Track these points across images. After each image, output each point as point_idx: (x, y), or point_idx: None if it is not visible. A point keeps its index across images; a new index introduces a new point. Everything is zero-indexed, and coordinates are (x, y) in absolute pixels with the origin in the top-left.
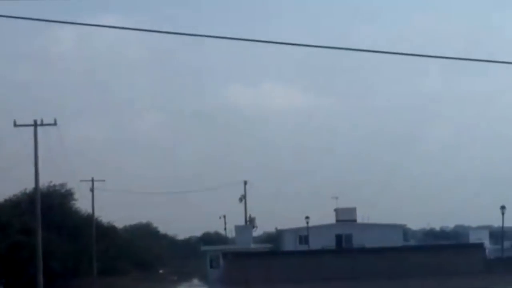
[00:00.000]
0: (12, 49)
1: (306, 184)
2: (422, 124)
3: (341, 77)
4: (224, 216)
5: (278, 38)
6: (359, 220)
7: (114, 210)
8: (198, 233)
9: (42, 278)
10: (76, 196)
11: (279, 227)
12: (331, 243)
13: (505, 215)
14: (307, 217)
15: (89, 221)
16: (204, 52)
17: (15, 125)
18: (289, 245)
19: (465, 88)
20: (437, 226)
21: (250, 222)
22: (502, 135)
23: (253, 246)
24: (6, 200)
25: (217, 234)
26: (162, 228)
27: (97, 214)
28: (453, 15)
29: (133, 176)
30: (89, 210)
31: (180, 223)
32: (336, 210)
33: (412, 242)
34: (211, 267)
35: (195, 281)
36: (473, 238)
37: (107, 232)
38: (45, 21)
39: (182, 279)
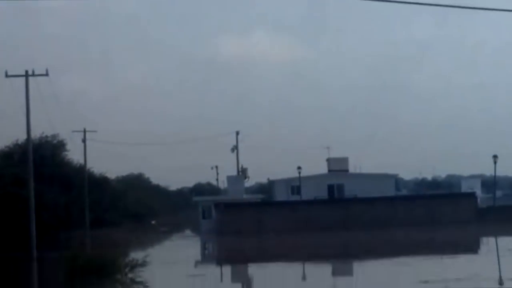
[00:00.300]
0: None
1: (298, 135)
2: (412, 73)
3: (331, 27)
4: (216, 167)
5: None
6: (351, 170)
7: (106, 161)
8: (190, 184)
9: (34, 229)
10: (68, 147)
11: (271, 178)
12: (323, 193)
13: (497, 164)
14: (299, 168)
15: (81, 172)
16: (194, 1)
17: (6, 75)
18: (281, 195)
19: (455, 36)
20: (429, 176)
21: (242, 173)
22: (495, 83)
23: (245, 196)
24: None
25: (209, 184)
26: (154, 179)
27: (89, 165)
28: None
29: (125, 127)
30: (81, 161)
31: (172, 174)
32: (328, 160)
33: (404, 192)
34: (203, 217)
35: (188, 232)
36: (465, 187)
37: (99, 183)
38: None
39: (174, 230)
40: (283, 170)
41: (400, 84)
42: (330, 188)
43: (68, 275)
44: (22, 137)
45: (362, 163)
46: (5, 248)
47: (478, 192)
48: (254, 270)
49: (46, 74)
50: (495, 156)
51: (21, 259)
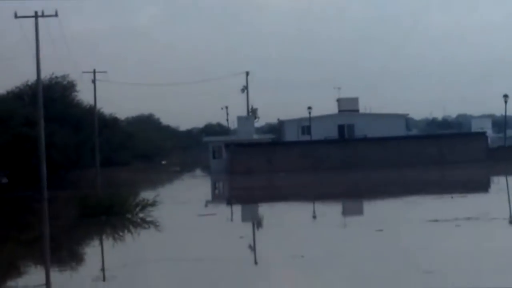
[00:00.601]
0: None
1: (309, 75)
2: (424, 10)
3: None
4: (226, 107)
5: None
6: (361, 110)
7: (116, 102)
8: (200, 124)
9: (45, 169)
10: (78, 88)
11: (281, 118)
12: (333, 133)
13: (508, 104)
14: (309, 108)
15: (91, 113)
16: None
17: (16, 16)
18: (291, 135)
19: None
20: (439, 116)
21: (252, 113)
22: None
23: (255, 137)
24: (8, 92)
25: (219, 125)
26: (164, 120)
27: (99, 106)
28: None
29: (135, 67)
30: (91, 102)
31: (182, 114)
32: (338, 100)
33: (414, 132)
34: (214, 157)
35: (198, 172)
36: (475, 127)
37: (109, 124)
38: None
39: (185, 170)
40: (293, 111)
41: (411, 24)
42: (340, 128)
43: (78, 215)
44: (32, 78)
45: (372, 103)
46: (16, 188)
47: (489, 131)
48: (265, 209)
49: (56, 15)
50: (505, 96)
51: (32, 199)
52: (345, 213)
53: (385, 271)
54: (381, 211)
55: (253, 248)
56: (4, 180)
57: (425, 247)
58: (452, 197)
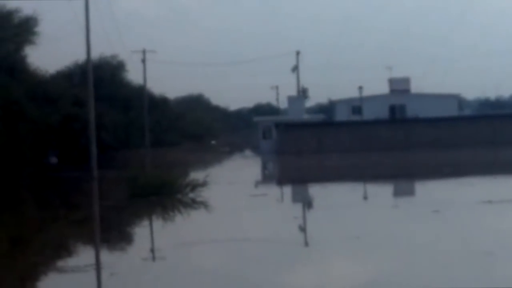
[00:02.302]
0: None
1: (360, 54)
2: None
3: None
4: (276, 87)
5: None
6: (413, 90)
7: (166, 82)
8: (250, 104)
9: (95, 149)
10: (127, 67)
11: (332, 98)
12: (384, 113)
13: None
14: (360, 87)
15: (140, 93)
16: None
17: None
18: (342, 116)
19: None
20: (492, 96)
21: (303, 93)
22: None
23: (305, 117)
24: (58, 72)
25: (269, 105)
26: (214, 100)
27: (148, 86)
28: None
29: (184, 47)
30: (141, 82)
31: (232, 94)
32: (389, 80)
33: (467, 112)
34: (264, 138)
35: (248, 152)
36: None
37: (159, 104)
38: None
39: (234, 150)
40: (344, 91)
41: (465, 2)
42: (392, 108)
43: (128, 195)
44: (81, 58)
45: (424, 83)
46: (66, 168)
47: None
48: (316, 189)
49: None
50: None
51: (82, 179)
52: (398, 193)
53: (445, 252)
54: (434, 191)
55: (307, 229)
56: (54, 160)
57: (483, 228)
58: (506, 179)
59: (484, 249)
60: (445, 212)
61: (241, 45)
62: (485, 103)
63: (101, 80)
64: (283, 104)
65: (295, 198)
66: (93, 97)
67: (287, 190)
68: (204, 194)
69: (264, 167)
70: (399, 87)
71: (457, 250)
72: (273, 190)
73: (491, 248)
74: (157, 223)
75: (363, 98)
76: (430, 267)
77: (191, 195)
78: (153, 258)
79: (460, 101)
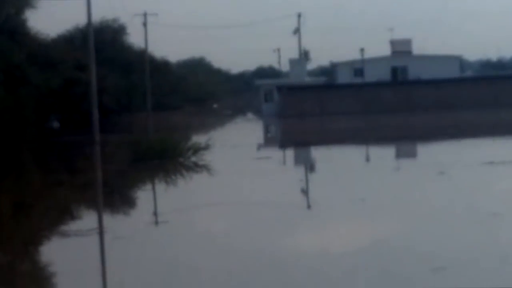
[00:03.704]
0: None
1: (361, 16)
2: None
3: None
4: (278, 50)
5: None
6: (415, 52)
7: (167, 46)
8: (252, 67)
9: (97, 113)
10: (128, 31)
11: (334, 60)
12: (386, 75)
13: None
14: (362, 49)
15: (142, 57)
16: None
17: None
18: (344, 78)
19: None
20: (494, 57)
21: (304, 55)
22: None
23: (307, 79)
24: (59, 36)
25: (271, 68)
26: (216, 63)
27: (150, 49)
28: None
29: (186, 10)
30: (142, 46)
31: (233, 57)
32: (391, 42)
33: (468, 73)
34: (265, 101)
35: (250, 115)
36: None
37: (160, 67)
38: None
39: (237, 113)
40: (346, 53)
41: None
42: (394, 70)
43: (130, 159)
44: (82, 22)
45: (425, 44)
46: (68, 132)
47: None
48: (319, 152)
49: None
50: None
51: (84, 143)
52: (402, 155)
53: (452, 213)
54: (438, 153)
55: (312, 191)
56: (56, 125)
57: (488, 189)
58: (508, 140)
59: (491, 210)
60: (450, 174)
61: (243, 8)
62: (487, 64)
63: (102, 44)
64: (285, 67)
65: (299, 161)
66: (94, 61)
67: (290, 153)
68: (206, 157)
69: (266, 130)
70: (401, 49)
71: (464, 212)
72: (276, 153)
73: (497, 209)
74: (160, 187)
75: (365, 60)
76: (438, 228)
77: (193, 158)
78: (156, 222)
79: (461, 62)
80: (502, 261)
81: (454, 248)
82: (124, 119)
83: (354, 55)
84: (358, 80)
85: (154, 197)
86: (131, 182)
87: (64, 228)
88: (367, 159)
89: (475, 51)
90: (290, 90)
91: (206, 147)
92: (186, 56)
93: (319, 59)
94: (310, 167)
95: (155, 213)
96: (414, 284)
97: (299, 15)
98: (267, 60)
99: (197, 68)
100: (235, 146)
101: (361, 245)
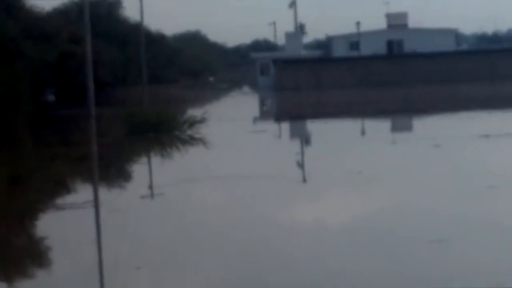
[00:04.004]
0: None
1: None
2: None
3: None
4: (274, 23)
5: None
6: (411, 25)
7: (163, 19)
8: (247, 40)
9: (92, 86)
10: (124, 4)
11: (329, 34)
12: (382, 49)
13: None
14: (357, 23)
15: (137, 30)
16: None
17: None
18: (340, 51)
19: None
20: (489, 30)
21: (300, 29)
22: None
23: (303, 53)
24: (54, 9)
25: (266, 41)
26: (211, 36)
27: (145, 22)
28: None
29: None
30: (138, 19)
31: (229, 31)
32: (387, 15)
33: (464, 47)
34: (261, 74)
35: (246, 89)
36: None
37: (156, 40)
38: None
39: (232, 86)
40: (342, 26)
41: None
42: (389, 43)
43: (126, 132)
44: None
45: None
46: (64, 105)
47: None
48: (315, 125)
49: None
50: None
51: (79, 117)
52: (398, 129)
53: (448, 186)
54: (434, 126)
55: (308, 164)
56: (51, 98)
57: (484, 162)
58: (503, 113)
59: (486, 183)
60: (446, 147)
61: None
62: (483, 38)
63: (97, 17)
64: (280, 40)
65: (295, 134)
66: (89, 34)
67: (286, 126)
68: (202, 131)
69: (262, 103)
70: (397, 22)
71: (460, 184)
72: (272, 127)
73: (493, 183)
74: (155, 160)
75: (361, 33)
76: (434, 201)
77: (189, 132)
78: (152, 195)
79: (457, 36)
80: (500, 233)
81: (451, 220)
82: (119, 92)
83: (350, 29)
84: (353, 53)
85: (150, 170)
86: (127, 155)
87: (60, 201)
88: (363, 132)
89: (471, 25)
90: (286, 64)
91: (202, 121)
92: (182, 29)
93: (315, 32)
94: (306, 140)
95: (151, 186)
96: (411, 256)
97: None
98: (263, 33)
99: (193, 41)
100: (231, 120)
101: (358, 217)
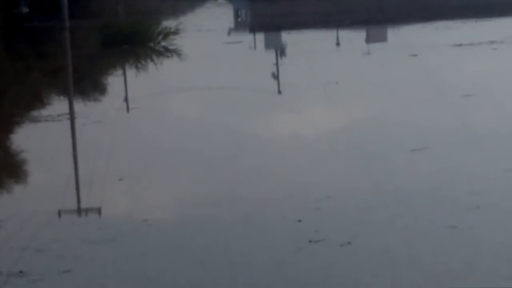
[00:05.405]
0: None
1: None
2: None
3: None
4: None
5: None
6: None
7: None
8: None
9: None
10: None
11: None
12: None
13: None
14: None
15: None
16: None
17: None
18: None
19: None
20: None
21: None
22: None
23: None
24: None
25: None
26: None
27: None
28: None
29: None
30: None
31: None
32: None
33: None
34: None
35: (220, 0)
36: None
37: None
38: None
39: None
40: None
41: None
42: None
43: (100, 44)
44: None
45: None
46: (38, 17)
47: None
48: (291, 36)
49: None
50: None
51: (53, 28)
52: (373, 39)
53: (426, 94)
54: (411, 36)
55: (286, 75)
56: (25, 10)
57: (462, 71)
58: (476, 22)
59: (463, 92)
60: (423, 56)
61: None
62: None
63: None
64: None
65: (270, 45)
66: None
67: (261, 37)
68: (177, 42)
69: (237, 14)
70: None
71: (437, 93)
72: (247, 38)
73: (470, 91)
74: (130, 72)
75: None
76: (412, 110)
77: (163, 43)
78: (127, 108)
79: None
80: (477, 142)
81: (430, 129)
82: (94, 3)
83: None
84: None
85: (125, 83)
86: (101, 68)
87: (35, 113)
88: (339, 43)
89: None
90: None
91: (177, 32)
92: None
93: None
94: (281, 51)
95: (126, 99)
96: (393, 163)
97: None
98: None
99: None
100: (205, 31)
101: (336, 128)
